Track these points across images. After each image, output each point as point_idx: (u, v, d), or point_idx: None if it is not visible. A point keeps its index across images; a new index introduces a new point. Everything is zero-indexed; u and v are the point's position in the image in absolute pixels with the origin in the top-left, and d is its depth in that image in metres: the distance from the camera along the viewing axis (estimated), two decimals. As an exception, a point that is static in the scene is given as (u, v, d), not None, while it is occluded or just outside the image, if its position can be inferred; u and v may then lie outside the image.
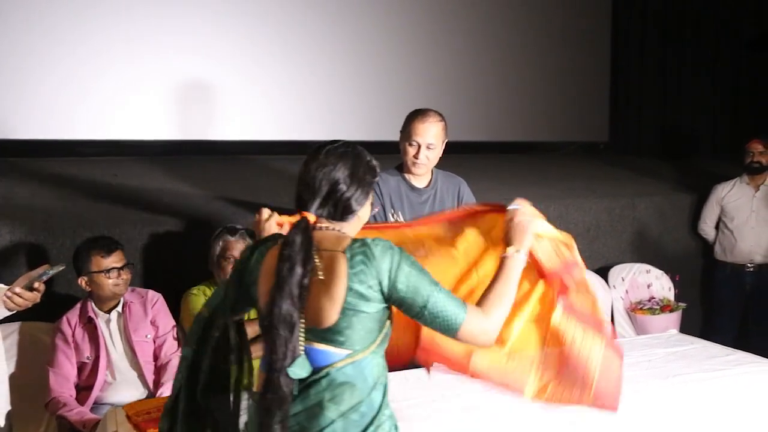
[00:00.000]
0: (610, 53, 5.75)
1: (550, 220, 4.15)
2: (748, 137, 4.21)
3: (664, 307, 3.77)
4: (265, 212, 1.77)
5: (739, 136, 5.19)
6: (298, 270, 1.40)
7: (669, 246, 4.41)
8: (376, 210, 2.45)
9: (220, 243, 2.78)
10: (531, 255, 1.77)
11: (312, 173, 1.51)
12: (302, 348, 1.42)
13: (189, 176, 3.75)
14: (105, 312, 2.61)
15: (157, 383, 2.60)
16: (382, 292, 1.45)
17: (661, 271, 4.03)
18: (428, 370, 1.90)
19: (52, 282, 1.97)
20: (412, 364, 2.50)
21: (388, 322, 1.51)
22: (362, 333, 1.45)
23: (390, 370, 1.55)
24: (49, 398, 2.51)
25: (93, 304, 2.60)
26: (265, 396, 1.39)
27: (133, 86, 3.87)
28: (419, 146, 2.52)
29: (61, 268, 1.97)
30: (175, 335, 2.70)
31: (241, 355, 1.57)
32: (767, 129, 4.45)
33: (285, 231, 1.83)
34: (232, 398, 1.56)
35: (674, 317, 3.72)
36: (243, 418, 1.57)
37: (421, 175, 2.62)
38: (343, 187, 1.50)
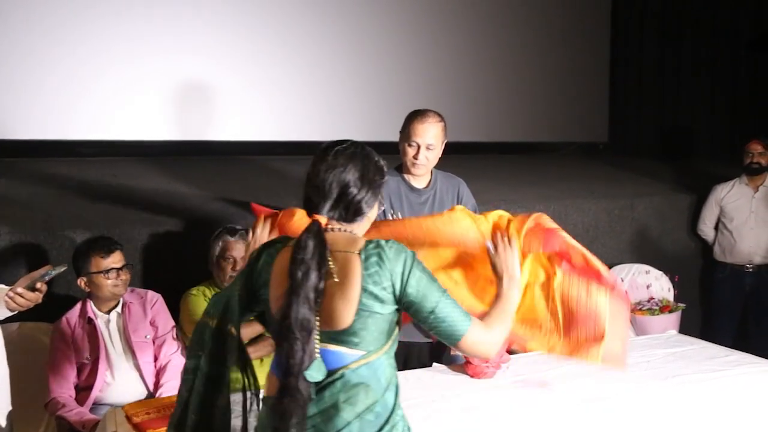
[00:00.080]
0: (609, 54, 5.76)
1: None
2: (748, 138, 4.22)
3: (664, 308, 3.77)
4: (259, 227, 1.82)
5: (738, 137, 5.20)
6: (313, 274, 1.40)
7: (668, 246, 4.41)
8: (382, 209, 2.46)
9: (220, 243, 2.78)
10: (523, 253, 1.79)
11: (321, 176, 1.50)
12: (318, 351, 1.43)
13: (188, 177, 3.75)
14: (104, 312, 2.61)
15: (157, 384, 2.60)
16: (395, 294, 1.46)
17: (660, 272, 4.03)
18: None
19: (51, 282, 1.96)
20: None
21: (397, 325, 1.52)
22: (375, 334, 1.46)
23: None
24: (49, 399, 2.51)
25: (92, 304, 2.60)
26: (282, 401, 1.39)
27: (132, 87, 3.88)
28: (419, 147, 2.52)
29: (63, 269, 1.97)
30: (175, 335, 2.70)
31: (245, 357, 1.57)
32: (767, 130, 4.45)
33: (278, 228, 1.85)
34: (243, 402, 1.56)
35: (673, 318, 3.72)
36: (237, 421, 1.57)
37: (420, 176, 2.61)
38: (353, 190, 1.50)
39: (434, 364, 2.51)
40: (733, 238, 4.11)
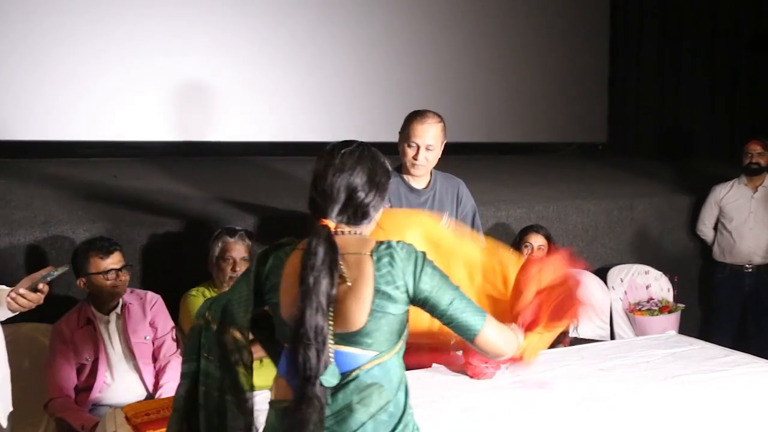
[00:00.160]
0: (608, 54, 5.77)
1: (549, 221, 4.16)
2: (747, 138, 4.22)
3: (663, 308, 3.77)
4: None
5: (737, 137, 5.21)
6: (325, 281, 1.40)
7: (668, 247, 4.41)
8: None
9: (219, 244, 2.78)
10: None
11: (329, 180, 1.49)
12: (332, 354, 1.43)
13: (188, 177, 3.75)
14: (104, 313, 2.61)
15: (156, 384, 2.60)
16: (408, 293, 1.47)
17: (659, 272, 4.03)
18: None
19: (51, 283, 1.96)
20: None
21: (407, 326, 1.53)
22: (388, 335, 1.47)
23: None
24: (48, 400, 2.51)
25: (92, 305, 2.60)
26: (300, 407, 1.39)
27: (132, 87, 3.88)
28: (418, 147, 2.52)
29: (65, 270, 1.98)
30: (174, 336, 2.70)
31: (249, 358, 1.56)
32: (766, 130, 4.46)
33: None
34: (248, 404, 1.56)
35: (673, 318, 3.72)
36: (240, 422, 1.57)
37: (420, 177, 2.61)
38: (361, 194, 1.50)
39: (434, 364, 2.51)
40: (733, 239, 4.12)
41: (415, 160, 2.53)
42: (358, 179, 1.50)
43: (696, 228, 4.35)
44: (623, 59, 5.79)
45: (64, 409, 2.46)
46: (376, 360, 1.46)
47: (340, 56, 4.52)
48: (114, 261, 2.56)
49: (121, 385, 2.57)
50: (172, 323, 2.72)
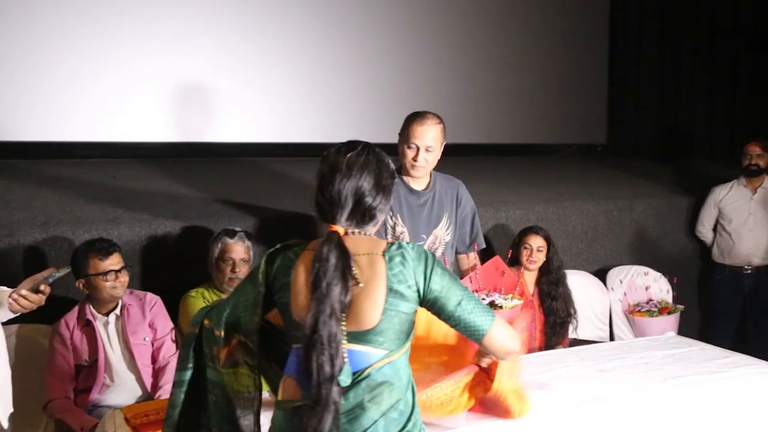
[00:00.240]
0: (607, 56, 5.77)
1: (548, 222, 4.16)
2: (746, 139, 4.22)
3: (662, 310, 3.77)
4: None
5: (736, 139, 5.21)
6: (338, 287, 1.42)
7: (667, 248, 4.41)
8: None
9: (219, 245, 2.78)
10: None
11: (336, 186, 1.50)
12: (346, 355, 1.44)
13: (187, 178, 3.75)
14: (103, 314, 2.61)
15: (155, 386, 2.60)
16: (419, 293, 1.49)
17: (659, 274, 4.03)
18: None
19: (51, 284, 1.97)
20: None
21: (414, 326, 1.55)
22: (398, 333, 1.49)
23: None
24: (48, 401, 2.51)
25: (91, 306, 2.60)
26: (316, 408, 1.40)
27: (131, 88, 3.88)
28: (418, 149, 2.52)
29: (67, 271, 1.98)
30: (174, 338, 2.70)
31: (261, 362, 1.57)
32: (765, 131, 4.46)
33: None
34: (254, 406, 1.58)
35: (672, 319, 3.72)
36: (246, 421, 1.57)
37: (419, 178, 2.62)
38: (369, 199, 1.52)
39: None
40: (732, 240, 4.12)
41: (415, 161, 2.53)
42: (366, 183, 1.51)
43: (695, 229, 4.36)
44: (622, 61, 5.80)
45: (63, 410, 2.46)
46: (387, 358, 1.47)
47: (340, 57, 4.52)
48: (113, 262, 2.56)
49: (120, 386, 2.57)
50: (171, 324, 2.72)
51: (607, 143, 5.81)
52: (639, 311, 3.79)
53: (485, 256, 2.88)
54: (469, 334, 1.53)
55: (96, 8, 3.79)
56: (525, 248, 3.27)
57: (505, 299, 2.25)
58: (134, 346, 2.59)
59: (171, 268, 3.08)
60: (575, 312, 3.31)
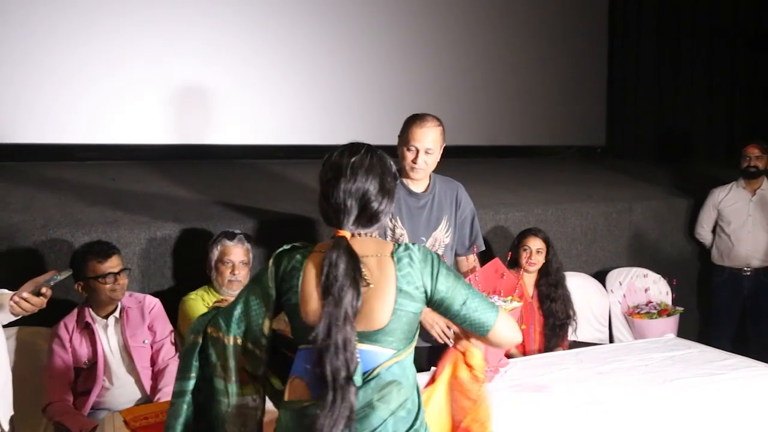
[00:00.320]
0: (607, 57, 5.78)
1: (547, 224, 4.16)
2: (745, 141, 4.23)
3: (662, 312, 3.77)
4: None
5: (735, 141, 5.22)
6: (349, 293, 1.43)
7: (666, 250, 4.41)
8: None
9: (218, 247, 2.78)
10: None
11: (342, 192, 1.51)
12: (358, 356, 1.46)
13: (187, 180, 3.75)
14: (102, 317, 2.61)
15: (155, 388, 2.59)
16: (426, 293, 1.52)
17: (658, 275, 4.03)
18: None
19: (52, 287, 1.97)
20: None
21: (419, 325, 1.57)
22: (406, 333, 1.52)
23: None
24: (47, 403, 2.50)
25: (90, 309, 2.60)
26: (332, 408, 1.41)
27: (130, 90, 3.88)
28: (418, 151, 2.52)
29: (69, 274, 1.98)
30: (173, 340, 2.69)
31: (265, 369, 1.56)
32: (764, 133, 4.47)
33: None
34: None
35: (671, 321, 3.72)
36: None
37: (419, 180, 2.62)
38: (375, 204, 1.53)
39: (432, 368, 2.51)
40: (731, 242, 4.12)
41: (415, 163, 2.53)
42: (372, 188, 1.53)
43: (694, 231, 4.36)
44: (622, 62, 5.80)
45: (62, 413, 2.46)
46: (396, 358, 1.50)
47: (340, 59, 4.52)
48: (112, 265, 2.56)
49: (119, 389, 2.57)
50: (170, 327, 2.72)
51: (606, 145, 5.81)
52: (638, 313, 3.79)
53: (485, 258, 2.88)
54: (474, 330, 1.55)
55: (95, 10, 3.79)
56: (524, 250, 3.27)
57: (505, 301, 2.26)
58: (133, 349, 2.59)
59: (170, 271, 3.08)
60: (574, 314, 3.31)
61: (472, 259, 2.78)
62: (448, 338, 2.34)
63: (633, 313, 3.81)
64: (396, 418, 1.46)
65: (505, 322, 1.56)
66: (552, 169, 5.20)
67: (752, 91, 5.68)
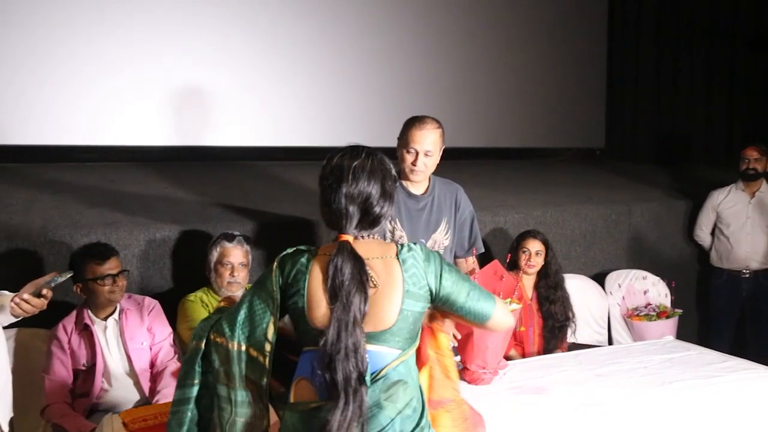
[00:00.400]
0: (606, 60, 5.79)
1: (547, 226, 4.16)
2: (744, 144, 4.23)
3: (661, 314, 3.77)
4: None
5: (734, 143, 5.22)
6: (357, 298, 1.45)
7: (665, 252, 4.42)
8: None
9: (218, 249, 2.78)
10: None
11: (343, 197, 1.52)
12: (367, 357, 1.47)
13: (186, 182, 3.75)
14: (101, 319, 2.60)
15: (153, 390, 2.59)
16: (431, 292, 1.55)
17: (657, 278, 4.04)
18: None
19: (52, 288, 1.96)
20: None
21: (420, 325, 1.60)
22: (411, 332, 1.54)
23: None
24: (45, 405, 2.50)
25: (89, 311, 2.59)
26: (344, 409, 1.42)
27: (129, 92, 3.88)
28: (417, 153, 2.52)
29: (69, 275, 1.98)
30: (172, 342, 2.69)
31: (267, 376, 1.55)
32: (762, 136, 4.47)
33: None
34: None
35: (671, 323, 3.73)
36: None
37: (418, 182, 2.62)
38: (377, 208, 1.55)
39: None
40: (730, 244, 4.12)
41: (414, 166, 2.54)
42: (373, 191, 1.54)
43: (693, 233, 4.36)
44: (621, 65, 5.81)
45: (61, 415, 2.46)
46: (401, 357, 1.51)
47: (339, 61, 4.52)
48: (111, 266, 2.56)
49: (118, 390, 2.57)
50: (169, 329, 2.71)
51: (605, 147, 5.82)
52: (637, 315, 3.79)
53: (484, 260, 2.88)
54: (475, 319, 1.61)
55: (94, 12, 3.79)
56: (523, 252, 3.27)
57: (504, 303, 2.25)
58: (132, 351, 2.58)
59: (169, 272, 3.08)
60: (574, 316, 3.32)
61: (471, 261, 2.78)
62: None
63: (632, 315, 3.81)
64: (403, 417, 1.48)
65: (502, 309, 1.64)
66: (551, 171, 5.21)
67: (752, 93, 5.69)
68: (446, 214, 2.66)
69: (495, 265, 2.55)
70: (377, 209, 1.54)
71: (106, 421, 2.14)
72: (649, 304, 3.86)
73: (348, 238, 1.52)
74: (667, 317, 3.74)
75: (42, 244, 2.86)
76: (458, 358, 2.47)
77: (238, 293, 2.69)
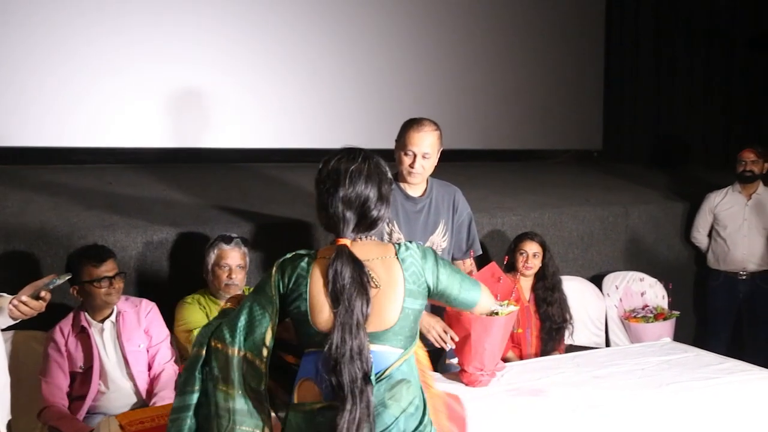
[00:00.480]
0: (603, 62, 5.80)
1: (544, 228, 4.17)
2: (741, 146, 4.24)
3: (658, 315, 3.78)
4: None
5: (731, 145, 5.23)
6: (358, 301, 1.46)
7: (662, 254, 4.42)
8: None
9: (215, 251, 2.78)
10: None
11: (340, 201, 1.53)
12: (371, 357, 1.48)
13: (183, 184, 3.75)
14: (98, 321, 2.60)
15: (150, 393, 2.59)
16: (429, 288, 1.59)
17: (654, 279, 4.04)
18: None
19: (51, 291, 1.96)
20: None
21: (419, 323, 1.62)
22: (411, 331, 1.56)
23: None
24: (42, 408, 2.49)
25: (86, 313, 2.59)
26: (352, 409, 1.43)
27: (127, 94, 3.88)
28: (415, 156, 2.52)
29: (68, 277, 1.98)
30: (169, 344, 2.69)
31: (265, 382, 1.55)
32: (760, 138, 4.48)
33: None
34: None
35: (668, 325, 3.73)
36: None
37: (416, 184, 2.62)
38: (374, 212, 1.57)
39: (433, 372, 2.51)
40: (727, 246, 4.13)
41: (412, 168, 2.54)
42: (370, 195, 1.55)
43: (690, 235, 4.37)
44: (619, 67, 5.82)
45: (57, 418, 2.45)
46: (403, 357, 1.53)
47: (337, 63, 4.53)
48: (107, 269, 2.55)
49: (115, 393, 2.56)
50: (167, 331, 2.71)
51: (603, 149, 5.83)
52: (635, 317, 3.80)
53: (481, 262, 2.88)
54: (464, 307, 1.73)
55: (92, 14, 3.79)
56: (521, 254, 3.27)
57: (501, 305, 2.25)
58: (129, 353, 2.58)
59: (167, 275, 3.07)
60: (571, 318, 3.32)
61: (468, 263, 2.78)
62: (445, 342, 2.34)
63: (629, 317, 3.82)
64: (406, 416, 1.49)
65: (486, 295, 1.77)
66: (549, 173, 5.21)
67: (750, 94, 5.70)
68: (444, 216, 2.66)
69: (492, 267, 2.55)
70: (374, 213, 1.56)
71: (103, 424, 2.14)
72: (647, 306, 3.86)
73: (345, 241, 1.53)
74: (665, 319, 3.75)
75: (39, 246, 2.86)
76: (456, 360, 2.47)
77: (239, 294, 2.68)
